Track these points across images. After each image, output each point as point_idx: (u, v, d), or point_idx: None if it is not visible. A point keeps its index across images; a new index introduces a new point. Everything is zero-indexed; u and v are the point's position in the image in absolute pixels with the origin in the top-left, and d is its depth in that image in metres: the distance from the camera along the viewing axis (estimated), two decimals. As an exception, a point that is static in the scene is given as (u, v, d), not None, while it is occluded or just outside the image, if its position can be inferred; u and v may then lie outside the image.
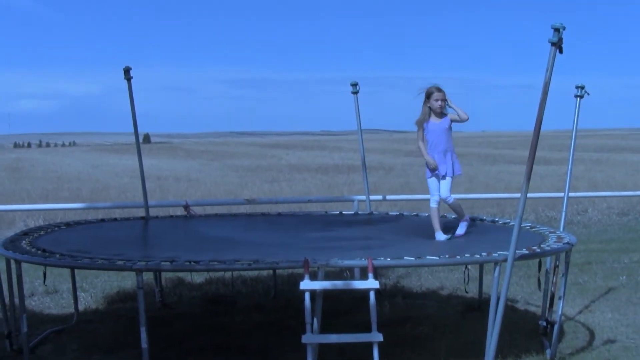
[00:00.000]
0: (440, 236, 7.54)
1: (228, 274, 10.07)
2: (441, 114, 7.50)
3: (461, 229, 7.75)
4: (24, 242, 7.25)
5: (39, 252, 6.72)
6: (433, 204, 7.62)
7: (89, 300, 9.51)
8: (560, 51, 5.48)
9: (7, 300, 7.29)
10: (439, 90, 7.49)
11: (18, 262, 6.67)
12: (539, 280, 7.67)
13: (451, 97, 7.55)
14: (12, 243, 7.14)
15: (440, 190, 7.55)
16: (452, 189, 7.62)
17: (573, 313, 8.57)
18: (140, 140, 10.01)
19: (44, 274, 7.85)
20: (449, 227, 7.84)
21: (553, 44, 5.46)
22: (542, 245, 6.80)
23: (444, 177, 7.53)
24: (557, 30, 5.45)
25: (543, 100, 5.58)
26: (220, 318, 8.56)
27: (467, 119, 7.50)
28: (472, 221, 8.65)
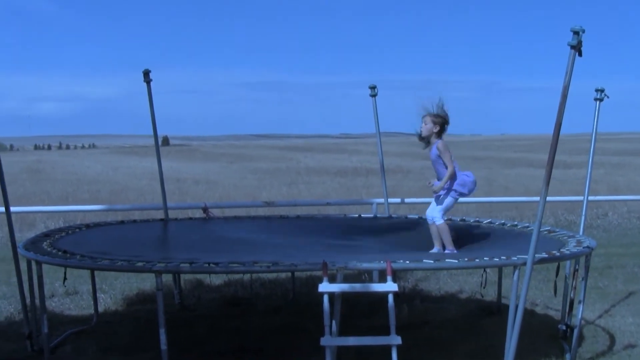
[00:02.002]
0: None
1: (247, 276, 10.08)
2: (430, 141, 7.49)
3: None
4: (44, 243, 7.30)
5: (60, 253, 6.75)
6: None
7: (108, 301, 9.55)
8: (580, 54, 5.45)
9: (28, 301, 7.34)
10: (426, 115, 7.49)
11: (39, 263, 6.71)
12: (555, 285, 7.60)
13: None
14: (33, 244, 7.19)
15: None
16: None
17: (593, 317, 8.51)
18: (159, 142, 10.05)
19: (65, 275, 7.89)
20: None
21: (572, 47, 5.43)
22: (561, 249, 6.77)
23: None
24: (576, 33, 5.42)
25: (562, 104, 5.55)
26: (239, 320, 8.57)
27: (450, 171, 7.36)
28: (492, 224, 8.63)
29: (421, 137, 7.49)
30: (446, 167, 7.32)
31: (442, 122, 7.39)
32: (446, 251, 7.40)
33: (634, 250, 13.24)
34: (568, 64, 5.47)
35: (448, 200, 7.39)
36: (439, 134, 7.41)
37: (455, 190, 7.38)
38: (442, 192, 7.40)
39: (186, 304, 9.35)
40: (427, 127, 7.41)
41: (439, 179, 7.41)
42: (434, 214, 7.42)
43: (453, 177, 7.35)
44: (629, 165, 41.29)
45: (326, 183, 30.18)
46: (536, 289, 9.74)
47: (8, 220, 7.32)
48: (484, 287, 8.19)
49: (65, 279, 7.92)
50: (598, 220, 17.21)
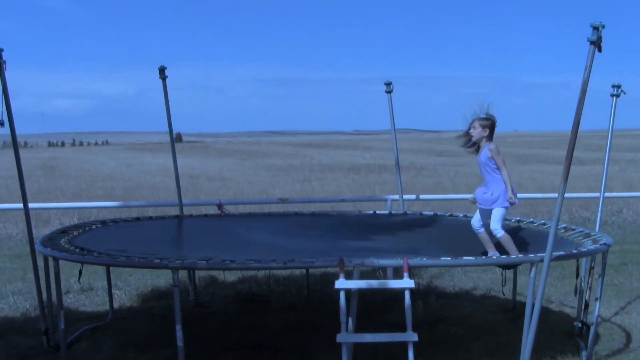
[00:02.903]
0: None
1: (261, 273, 10.09)
2: (480, 145, 7.18)
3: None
4: (62, 240, 7.33)
5: (77, 250, 6.78)
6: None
7: (123, 298, 9.59)
8: (599, 50, 5.41)
9: (44, 297, 7.37)
10: (474, 120, 7.20)
11: (56, 260, 6.74)
12: (576, 286, 7.51)
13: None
14: (50, 241, 7.22)
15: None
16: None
17: (609, 315, 8.48)
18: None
19: (80, 272, 7.92)
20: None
21: (592, 42, 5.39)
22: (578, 247, 6.74)
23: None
24: (596, 28, 5.37)
25: (581, 99, 5.51)
26: (254, 317, 8.58)
27: (504, 175, 7.01)
28: (507, 222, 8.58)
29: (471, 143, 7.30)
30: (497, 170, 7.12)
31: (490, 124, 7.19)
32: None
33: (649, 247, 13.17)
34: (587, 60, 5.42)
35: (502, 210, 7.05)
36: (489, 137, 7.24)
37: (509, 200, 7.04)
38: (497, 201, 7.15)
39: (201, 300, 9.37)
40: (477, 131, 7.17)
41: (486, 184, 7.23)
42: (493, 227, 7.20)
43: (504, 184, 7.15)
44: (643, 162, 41.04)
45: (339, 179, 30.14)
46: (552, 286, 9.70)
47: (26, 217, 7.33)
48: (504, 285, 8.14)
49: (80, 275, 7.95)
50: (613, 217, 17.12)
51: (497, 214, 7.01)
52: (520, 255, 6.20)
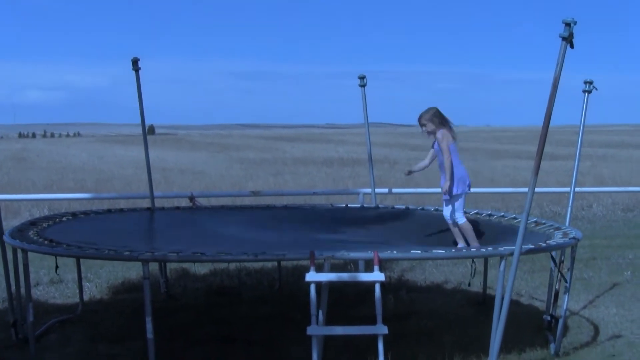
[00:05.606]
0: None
1: (232, 266, 10.06)
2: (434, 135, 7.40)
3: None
4: (31, 231, 7.26)
5: (46, 242, 6.72)
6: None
7: (93, 290, 9.52)
8: (572, 46, 5.44)
9: (13, 289, 7.30)
10: (420, 118, 7.42)
11: (25, 252, 6.67)
12: (561, 274, 7.51)
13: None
14: (20, 232, 7.14)
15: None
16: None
17: (577, 308, 8.56)
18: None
19: (56, 264, 7.84)
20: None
21: (564, 38, 5.41)
22: (548, 240, 6.79)
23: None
24: (567, 24, 5.39)
25: (553, 95, 5.54)
26: (225, 310, 8.57)
27: (446, 160, 7.25)
28: (479, 215, 8.64)
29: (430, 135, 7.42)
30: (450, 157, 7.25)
31: (434, 112, 7.34)
32: (472, 248, 7.32)
33: (618, 241, 13.32)
34: (559, 56, 5.45)
35: (460, 199, 7.30)
36: (442, 125, 7.33)
37: (463, 187, 7.30)
38: (452, 192, 7.31)
39: (172, 293, 9.33)
40: (428, 125, 7.34)
41: (442, 173, 7.33)
42: (455, 216, 7.33)
43: (453, 170, 7.28)
44: (613, 158, 41.46)
45: (312, 173, 30.15)
46: (521, 279, 9.77)
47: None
48: (472, 277, 8.19)
49: (57, 267, 7.88)
50: (583, 211, 17.28)
51: (456, 202, 7.24)
52: (489, 249, 6.23)
